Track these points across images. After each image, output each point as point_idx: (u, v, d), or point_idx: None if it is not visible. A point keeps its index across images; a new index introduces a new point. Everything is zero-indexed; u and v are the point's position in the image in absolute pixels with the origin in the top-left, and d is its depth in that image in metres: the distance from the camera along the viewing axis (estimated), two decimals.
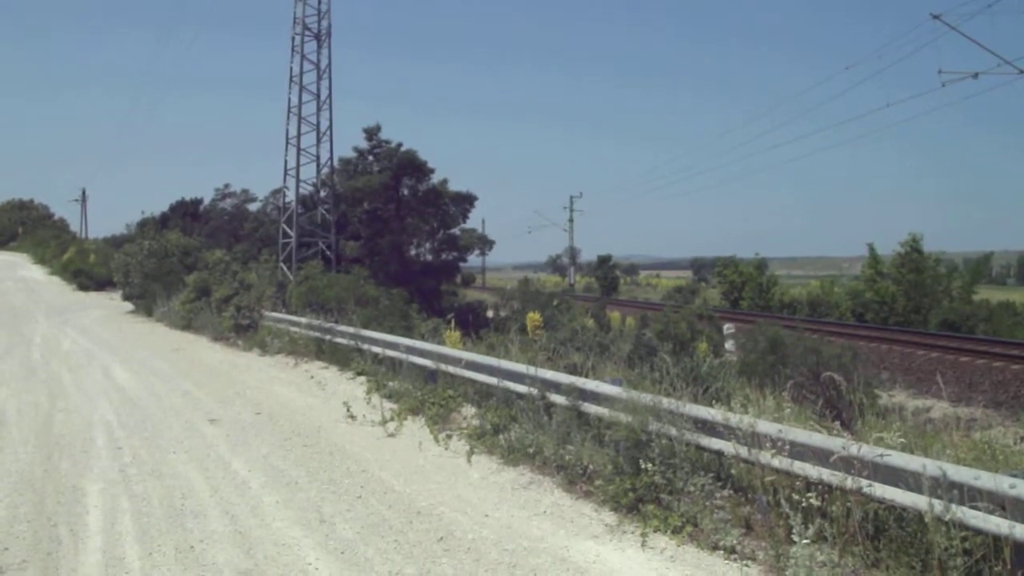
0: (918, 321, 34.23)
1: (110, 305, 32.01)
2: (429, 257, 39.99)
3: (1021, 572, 4.86)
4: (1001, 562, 4.92)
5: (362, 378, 13.76)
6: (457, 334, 14.59)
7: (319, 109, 32.72)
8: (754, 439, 6.37)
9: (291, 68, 32.55)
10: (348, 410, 10.93)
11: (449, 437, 9.68)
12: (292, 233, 32.56)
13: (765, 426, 6.42)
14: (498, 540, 6.43)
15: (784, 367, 14.23)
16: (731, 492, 6.64)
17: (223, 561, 5.98)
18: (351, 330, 15.51)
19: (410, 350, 12.88)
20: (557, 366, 10.87)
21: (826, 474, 5.78)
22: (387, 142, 38.35)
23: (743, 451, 6.47)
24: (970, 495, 5.05)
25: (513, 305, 31.68)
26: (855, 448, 5.65)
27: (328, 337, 16.30)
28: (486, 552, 6.18)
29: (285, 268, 30.61)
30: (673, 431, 7.05)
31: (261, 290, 21.93)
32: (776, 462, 6.15)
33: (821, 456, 5.86)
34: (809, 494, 5.82)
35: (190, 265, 28.89)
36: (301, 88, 32.40)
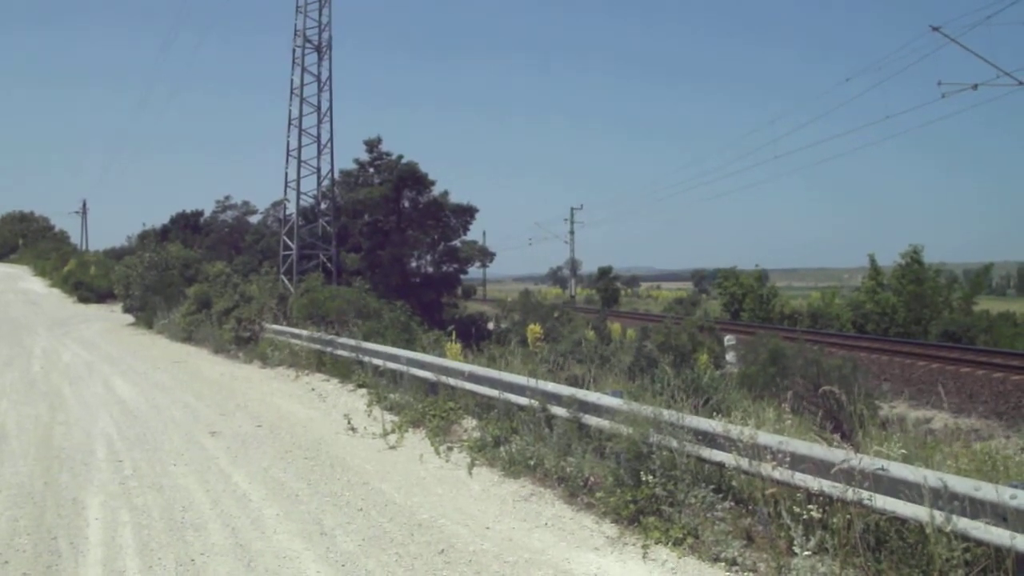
0: (919, 332, 34.23)
1: (111, 317, 32.04)
2: (430, 269, 40.09)
3: None
4: (1003, 573, 4.91)
5: (363, 390, 13.76)
6: (458, 346, 14.59)
7: (320, 121, 32.84)
8: (755, 451, 6.37)
9: (292, 80, 32.72)
10: (349, 422, 10.93)
11: (450, 449, 9.68)
12: (293, 245, 32.61)
13: (766, 438, 6.42)
14: (499, 552, 6.43)
15: (785, 379, 14.23)
16: (732, 504, 6.63)
17: (224, 574, 5.97)
18: (352, 342, 15.51)
19: (411, 362, 12.88)
20: (558, 378, 10.86)
21: (827, 486, 5.78)
22: (388, 154, 38.54)
23: (744, 463, 6.47)
24: (971, 506, 5.05)
25: (514, 317, 31.69)
26: (856, 460, 5.65)
27: (329, 349, 16.31)
28: (487, 564, 6.18)
29: (286, 280, 30.61)
30: (674, 443, 7.06)
31: (262, 302, 21.93)
32: (777, 474, 6.15)
33: (822, 468, 5.86)
34: (810, 506, 5.81)
35: (191, 277, 28.93)
36: (302, 100, 32.52)
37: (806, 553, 5.59)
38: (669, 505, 6.75)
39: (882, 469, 5.57)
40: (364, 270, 35.20)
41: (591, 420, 8.39)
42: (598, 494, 7.43)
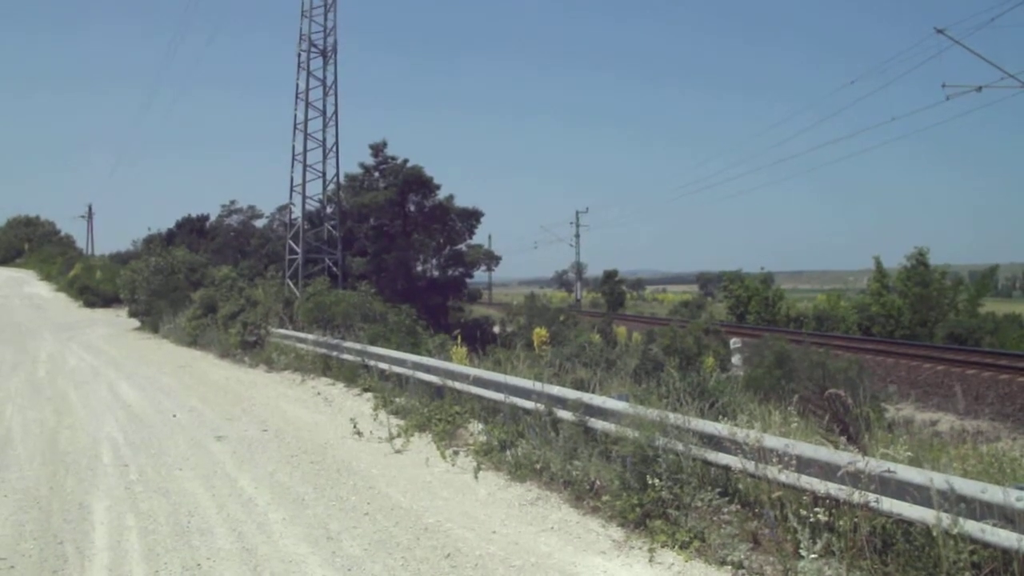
0: (924, 334, 34.18)
1: (116, 322, 32.11)
2: (435, 273, 40.10)
3: None
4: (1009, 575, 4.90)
5: (369, 394, 13.76)
6: (464, 350, 14.60)
7: (325, 126, 32.81)
8: (761, 454, 6.36)
9: (297, 84, 32.74)
10: (355, 427, 10.93)
11: (456, 453, 9.67)
12: (298, 249, 32.61)
13: (772, 441, 6.41)
14: (505, 556, 6.42)
15: (791, 381, 14.22)
16: (738, 507, 6.62)
17: None
18: (358, 346, 15.53)
19: (417, 366, 12.88)
20: (564, 381, 10.87)
21: (833, 488, 5.77)
22: (393, 158, 38.58)
23: (750, 466, 6.46)
24: (978, 509, 5.04)
25: (520, 321, 31.71)
26: (862, 462, 5.64)
27: (335, 353, 16.32)
28: (493, 569, 6.17)
29: (292, 284, 30.64)
30: (680, 446, 7.05)
31: (267, 307, 21.96)
32: (783, 477, 6.14)
33: (828, 470, 5.85)
34: (816, 509, 5.81)
35: (196, 282, 28.98)
36: (307, 104, 32.54)
37: (813, 556, 5.58)
38: (675, 508, 6.74)
39: (889, 471, 5.55)
40: (370, 274, 35.22)
41: (597, 424, 8.38)
42: (604, 498, 7.42)
